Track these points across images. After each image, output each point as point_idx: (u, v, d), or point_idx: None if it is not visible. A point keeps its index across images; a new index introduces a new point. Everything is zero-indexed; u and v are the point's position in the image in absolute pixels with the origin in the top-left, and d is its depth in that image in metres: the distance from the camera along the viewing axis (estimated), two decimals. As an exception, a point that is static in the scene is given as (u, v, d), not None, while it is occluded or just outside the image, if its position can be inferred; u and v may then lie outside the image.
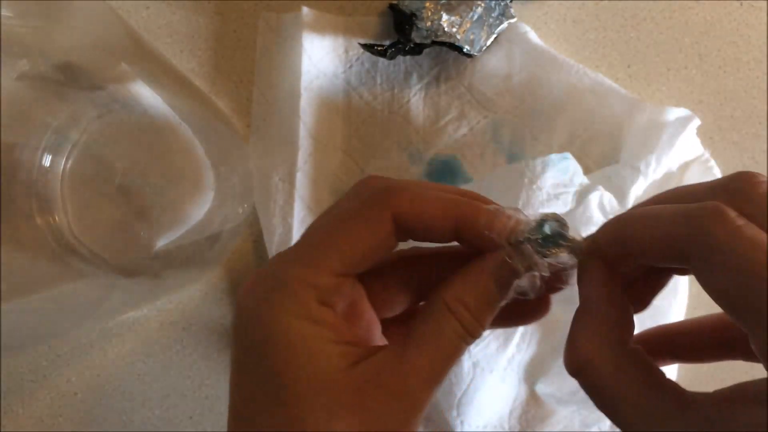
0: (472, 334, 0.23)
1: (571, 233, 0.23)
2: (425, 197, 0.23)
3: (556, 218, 0.23)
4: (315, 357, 0.21)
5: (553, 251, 0.23)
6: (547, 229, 0.23)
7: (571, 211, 0.37)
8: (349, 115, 0.42)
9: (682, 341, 0.25)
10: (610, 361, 0.21)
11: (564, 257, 0.23)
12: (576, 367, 0.22)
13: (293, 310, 0.21)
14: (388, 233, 0.22)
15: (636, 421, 0.20)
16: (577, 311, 0.23)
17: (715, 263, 0.18)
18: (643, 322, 0.24)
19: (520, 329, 0.39)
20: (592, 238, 0.23)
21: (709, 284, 0.19)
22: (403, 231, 0.23)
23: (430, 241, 0.24)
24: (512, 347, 0.39)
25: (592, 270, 0.23)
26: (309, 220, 0.41)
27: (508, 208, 0.23)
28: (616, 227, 0.22)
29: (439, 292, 0.23)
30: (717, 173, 0.40)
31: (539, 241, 0.23)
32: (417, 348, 0.22)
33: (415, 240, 0.24)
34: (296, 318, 0.21)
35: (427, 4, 0.39)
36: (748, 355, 0.22)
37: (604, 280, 0.23)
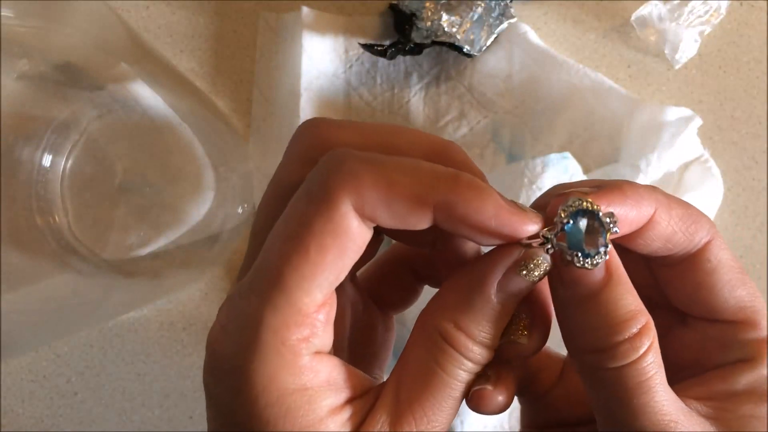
0: (481, 363, 0.19)
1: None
2: (391, 177, 0.17)
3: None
4: None
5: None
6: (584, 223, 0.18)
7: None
8: (349, 115, 0.42)
9: None
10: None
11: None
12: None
13: (286, 381, 0.18)
14: (357, 232, 0.18)
15: None
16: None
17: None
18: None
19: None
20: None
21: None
22: (372, 220, 0.18)
23: (409, 243, 0.20)
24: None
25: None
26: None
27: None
28: (632, 202, 0.19)
29: (428, 314, 0.19)
30: (716, 173, 0.40)
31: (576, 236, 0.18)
32: (410, 394, 0.19)
33: (391, 237, 0.21)
34: (290, 392, 0.18)
35: (427, 4, 0.39)
36: None
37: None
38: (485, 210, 0.17)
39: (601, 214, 0.18)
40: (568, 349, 0.20)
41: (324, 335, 0.19)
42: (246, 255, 0.22)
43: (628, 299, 0.18)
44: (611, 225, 0.18)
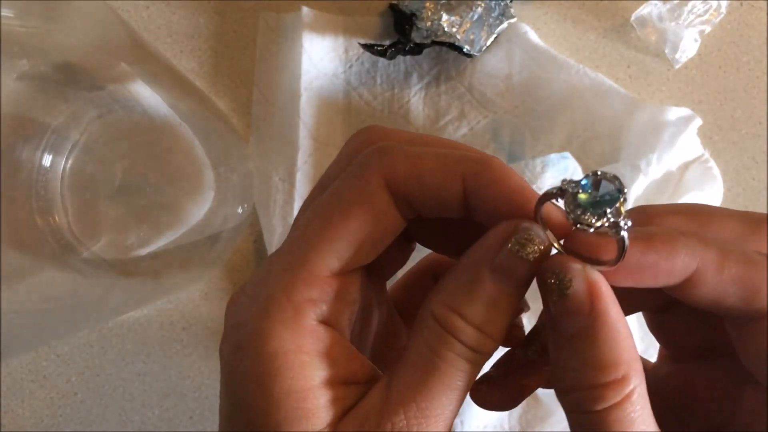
0: (480, 351, 0.18)
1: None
2: (423, 153, 0.18)
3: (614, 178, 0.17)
4: (302, 409, 0.17)
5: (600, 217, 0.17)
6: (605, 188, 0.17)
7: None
8: (349, 115, 0.42)
9: None
10: None
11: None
12: None
13: (283, 338, 0.17)
14: (386, 209, 0.18)
15: None
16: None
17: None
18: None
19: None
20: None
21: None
22: (404, 203, 0.18)
23: (439, 214, 0.19)
24: (512, 347, 0.39)
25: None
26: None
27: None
28: (641, 239, 0.18)
29: (427, 300, 0.18)
30: (716, 173, 0.40)
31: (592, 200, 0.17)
32: (401, 383, 0.17)
33: (424, 215, 0.20)
34: (285, 351, 0.17)
35: (427, 4, 0.39)
36: None
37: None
38: (512, 178, 0.18)
39: (624, 192, 0.17)
40: (552, 381, 0.18)
41: (335, 308, 0.18)
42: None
43: (612, 346, 0.17)
44: (623, 218, 0.17)
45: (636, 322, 0.37)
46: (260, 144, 0.42)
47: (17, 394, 0.42)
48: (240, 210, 0.41)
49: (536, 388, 0.22)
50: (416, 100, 0.42)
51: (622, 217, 0.17)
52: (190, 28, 0.42)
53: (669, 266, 0.17)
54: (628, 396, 0.17)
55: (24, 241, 0.36)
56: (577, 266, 0.17)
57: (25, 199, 0.36)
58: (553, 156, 0.37)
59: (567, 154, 0.38)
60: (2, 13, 0.29)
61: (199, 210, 0.38)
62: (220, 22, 0.42)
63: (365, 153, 0.19)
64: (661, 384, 0.22)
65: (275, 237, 0.40)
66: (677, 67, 0.42)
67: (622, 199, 0.17)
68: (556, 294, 0.17)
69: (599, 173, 0.17)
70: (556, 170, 0.37)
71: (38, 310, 0.36)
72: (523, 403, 0.41)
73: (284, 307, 0.17)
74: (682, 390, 0.21)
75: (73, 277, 0.38)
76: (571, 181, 0.17)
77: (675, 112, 0.39)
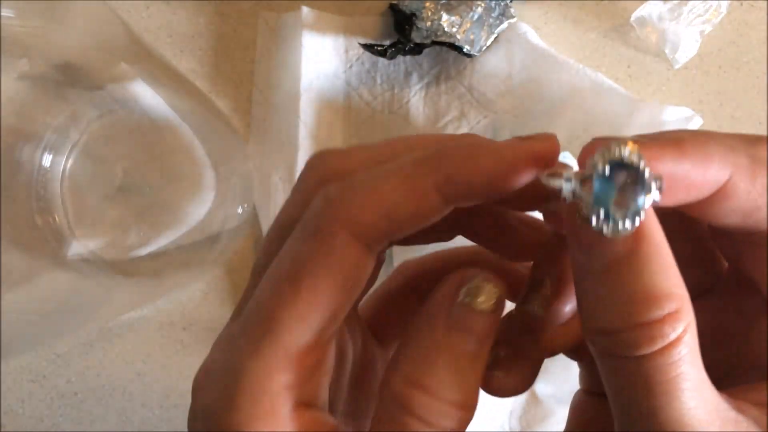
0: (454, 428, 0.16)
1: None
2: (385, 181, 0.16)
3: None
4: None
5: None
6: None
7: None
8: (349, 115, 0.42)
9: None
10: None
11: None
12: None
13: (255, 428, 0.15)
14: (357, 262, 0.16)
15: None
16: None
17: None
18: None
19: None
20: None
21: None
22: (378, 243, 0.16)
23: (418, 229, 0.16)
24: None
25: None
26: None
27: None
28: (673, 146, 0.15)
29: (385, 375, 0.16)
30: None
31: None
32: None
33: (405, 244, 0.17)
34: None
35: (427, 4, 0.39)
36: None
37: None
38: (482, 165, 0.15)
39: (647, 173, 0.14)
40: (582, 328, 0.16)
41: (314, 383, 0.16)
42: (243, 293, 0.20)
43: (661, 275, 0.14)
44: (656, 190, 0.14)
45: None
46: (260, 144, 0.42)
47: (17, 394, 0.42)
48: (240, 210, 0.41)
49: (548, 356, 0.19)
50: (416, 100, 0.42)
51: (655, 184, 0.14)
52: (190, 28, 0.42)
53: (703, 175, 0.15)
54: (680, 337, 0.14)
55: (24, 241, 0.36)
56: None
57: (25, 199, 0.36)
58: (553, 156, 0.37)
59: (567, 153, 0.38)
60: (2, 13, 0.29)
61: (199, 210, 0.38)
62: (220, 22, 0.42)
63: (317, 203, 0.16)
64: None
65: (275, 237, 0.40)
66: (677, 67, 0.42)
67: (648, 176, 0.14)
68: (583, 216, 0.15)
69: (603, 166, 0.14)
70: (556, 170, 0.37)
71: (38, 310, 0.36)
72: (524, 403, 0.41)
73: (258, 399, 0.15)
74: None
75: (73, 277, 0.38)
76: (577, 188, 0.14)
77: (675, 112, 0.39)
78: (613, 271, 0.14)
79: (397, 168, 0.16)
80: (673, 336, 0.14)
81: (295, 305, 0.15)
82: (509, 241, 0.20)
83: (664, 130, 0.16)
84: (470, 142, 0.16)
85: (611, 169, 0.14)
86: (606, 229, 0.14)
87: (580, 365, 0.22)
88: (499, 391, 0.18)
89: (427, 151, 0.16)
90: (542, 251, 0.19)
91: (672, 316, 0.14)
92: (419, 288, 0.21)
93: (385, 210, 0.15)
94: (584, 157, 0.15)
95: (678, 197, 0.15)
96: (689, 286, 0.15)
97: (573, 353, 0.21)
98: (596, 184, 0.14)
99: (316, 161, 0.19)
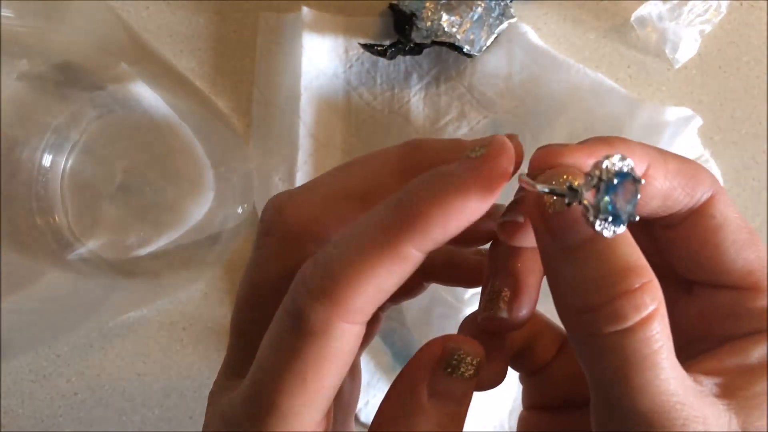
0: None
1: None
2: (357, 251, 0.16)
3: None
4: None
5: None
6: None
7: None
8: (349, 115, 0.42)
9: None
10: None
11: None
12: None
13: None
14: (354, 340, 0.17)
15: None
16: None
17: None
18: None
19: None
20: None
21: None
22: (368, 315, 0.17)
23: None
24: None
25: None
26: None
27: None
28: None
29: None
30: (717, 173, 0.40)
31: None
32: None
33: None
34: None
35: (427, 4, 0.39)
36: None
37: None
38: (453, 211, 0.16)
39: (636, 176, 0.16)
40: (559, 314, 0.17)
41: None
42: (229, 349, 0.20)
43: (632, 248, 0.15)
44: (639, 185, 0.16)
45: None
46: (260, 144, 0.42)
47: (17, 394, 0.42)
48: (240, 210, 0.41)
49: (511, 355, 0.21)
50: (416, 100, 0.42)
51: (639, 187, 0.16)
52: (190, 28, 0.42)
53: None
54: (658, 309, 0.15)
55: (24, 241, 0.36)
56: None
57: (25, 199, 0.36)
58: (553, 156, 0.37)
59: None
60: (2, 13, 0.29)
61: (199, 210, 0.38)
62: (220, 22, 0.42)
63: (304, 297, 0.16)
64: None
65: (275, 237, 0.40)
66: (677, 67, 0.42)
67: (641, 185, 0.16)
68: (555, 206, 0.16)
69: (605, 176, 0.15)
70: (556, 170, 0.37)
71: (38, 310, 0.36)
72: (523, 403, 0.41)
73: None
74: (690, 325, 0.20)
75: (73, 277, 0.38)
76: (583, 191, 0.15)
77: (675, 112, 0.39)
78: (587, 249, 0.15)
79: (370, 237, 0.16)
80: (648, 308, 0.15)
81: (302, 394, 0.16)
82: (464, 272, 0.22)
83: (588, 139, 0.18)
84: (430, 183, 0.16)
85: (618, 181, 0.15)
86: (607, 232, 0.15)
87: (522, 380, 0.23)
88: (478, 388, 0.19)
89: (391, 205, 0.16)
90: (493, 264, 0.20)
91: (647, 286, 0.15)
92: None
93: (371, 289, 0.16)
94: (534, 166, 0.17)
95: None
96: None
97: (515, 363, 0.23)
98: (603, 192, 0.15)
99: (270, 215, 0.19)
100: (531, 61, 0.41)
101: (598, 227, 0.15)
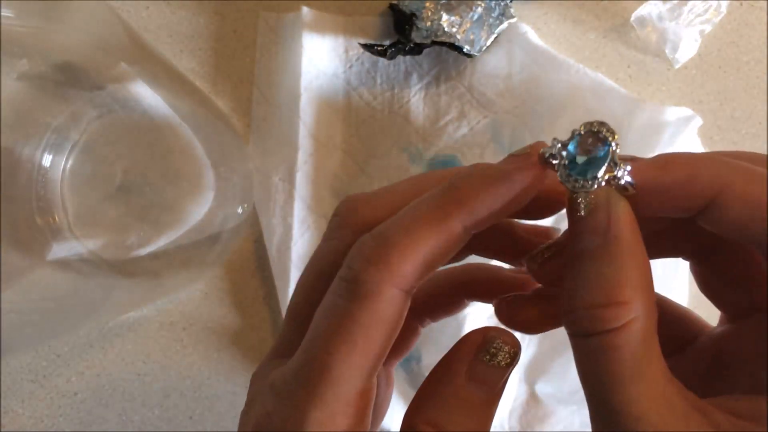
0: None
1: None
2: (411, 238, 0.18)
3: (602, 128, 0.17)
4: None
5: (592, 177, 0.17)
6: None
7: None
8: (349, 115, 0.42)
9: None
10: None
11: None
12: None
13: None
14: (401, 313, 0.18)
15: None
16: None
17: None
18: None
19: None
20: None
21: (732, 219, 0.17)
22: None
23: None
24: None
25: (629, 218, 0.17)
26: (309, 221, 0.41)
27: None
28: (657, 165, 0.18)
29: (408, 415, 0.18)
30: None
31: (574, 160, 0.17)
32: None
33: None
34: None
35: (427, 4, 0.39)
36: None
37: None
38: (496, 191, 0.18)
39: (612, 145, 0.17)
40: (563, 315, 0.18)
41: (366, 421, 0.18)
42: (281, 333, 0.21)
43: (623, 269, 0.17)
44: (619, 168, 0.17)
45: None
46: (260, 144, 0.42)
47: (17, 394, 0.42)
48: (240, 210, 0.41)
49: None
50: (416, 100, 0.42)
51: (618, 168, 0.17)
52: (190, 28, 0.42)
53: (688, 187, 0.17)
54: (629, 324, 0.16)
55: (24, 241, 0.36)
56: (602, 189, 0.17)
57: (25, 199, 0.36)
58: (553, 156, 0.37)
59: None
60: (2, 13, 0.29)
61: (199, 210, 0.38)
62: (220, 22, 0.42)
63: (358, 261, 0.18)
64: (713, 343, 0.21)
65: (275, 237, 0.40)
66: (677, 67, 0.42)
67: (612, 150, 0.17)
68: (581, 210, 0.17)
69: (583, 130, 0.17)
70: (556, 170, 0.37)
71: (38, 310, 0.36)
72: (523, 403, 0.41)
73: None
74: (731, 349, 0.21)
75: (73, 277, 0.38)
76: (559, 145, 0.17)
77: (675, 112, 0.39)
78: (585, 260, 0.17)
79: (424, 213, 0.18)
80: (620, 321, 0.16)
81: (351, 357, 0.17)
82: (518, 250, 0.22)
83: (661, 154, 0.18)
84: (479, 172, 0.18)
85: (586, 138, 0.17)
86: (568, 184, 0.17)
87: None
88: (525, 324, 0.21)
89: (443, 188, 0.18)
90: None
91: (622, 305, 0.16)
92: (472, 284, 0.23)
93: (422, 257, 0.17)
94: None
95: (665, 207, 0.18)
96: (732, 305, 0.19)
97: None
98: (571, 143, 0.17)
99: (346, 210, 0.20)
100: (531, 61, 0.41)
101: (563, 179, 0.17)
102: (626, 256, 0.17)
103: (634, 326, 0.16)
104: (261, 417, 0.19)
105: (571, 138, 0.17)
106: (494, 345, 0.18)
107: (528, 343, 0.40)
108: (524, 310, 0.21)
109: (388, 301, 0.17)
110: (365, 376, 0.18)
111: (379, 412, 0.23)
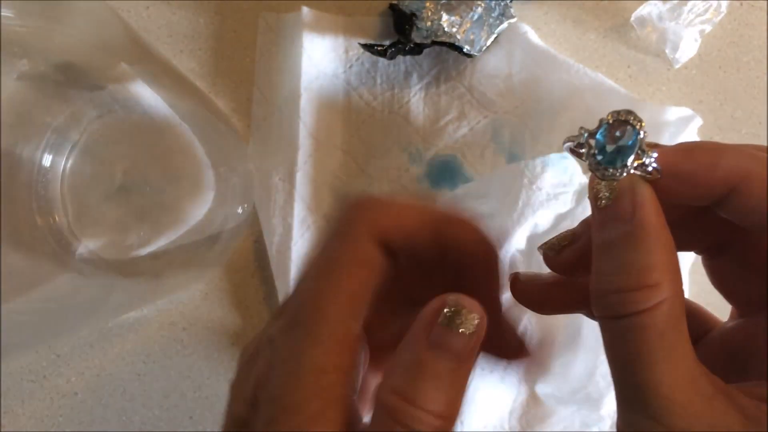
0: None
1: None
2: (405, 207, 0.20)
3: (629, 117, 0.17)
4: None
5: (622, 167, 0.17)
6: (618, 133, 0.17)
7: (570, 211, 0.37)
8: (349, 115, 0.42)
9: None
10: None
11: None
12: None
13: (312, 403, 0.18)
14: (379, 263, 0.20)
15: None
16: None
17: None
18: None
19: (519, 328, 0.39)
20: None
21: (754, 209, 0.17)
22: (388, 249, 0.20)
23: (414, 257, 0.20)
24: (512, 347, 0.39)
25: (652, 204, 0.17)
26: (309, 220, 0.40)
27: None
28: (682, 151, 0.18)
29: (378, 385, 0.18)
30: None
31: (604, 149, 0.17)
32: None
33: (404, 258, 0.21)
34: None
35: (427, 4, 0.39)
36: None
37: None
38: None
39: (641, 133, 0.17)
40: (591, 295, 0.18)
41: (356, 373, 0.19)
42: (286, 301, 0.22)
43: (650, 253, 0.17)
44: (647, 155, 0.17)
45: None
46: (260, 144, 0.42)
47: (17, 394, 0.42)
48: (240, 210, 0.41)
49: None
50: (416, 100, 0.42)
51: (646, 156, 0.17)
52: (190, 28, 0.42)
53: (710, 174, 0.17)
54: (659, 305, 0.17)
55: (24, 241, 0.36)
56: (625, 176, 0.18)
57: (25, 199, 0.36)
58: (553, 156, 0.37)
59: (567, 154, 0.38)
60: (2, 13, 0.29)
61: (199, 210, 0.38)
62: (220, 22, 0.42)
63: (348, 212, 0.20)
64: (725, 337, 0.22)
65: (275, 237, 0.40)
66: (677, 67, 0.42)
67: (641, 138, 0.17)
68: (603, 200, 0.18)
69: (611, 119, 0.17)
70: (556, 170, 0.37)
71: (38, 310, 0.36)
72: (523, 403, 0.40)
73: (319, 378, 0.18)
74: (744, 343, 0.21)
75: (73, 277, 0.38)
76: (587, 135, 0.18)
77: (675, 112, 0.39)
78: (613, 247, 0.17)
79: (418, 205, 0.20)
80: (651, 302, 0.17)
81: (342, 295, 0.19)
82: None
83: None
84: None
85: (615, 127, 0.17)
86: (598, 173, 0.17)
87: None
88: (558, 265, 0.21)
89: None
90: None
91: (652, 287, 0.17)
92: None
93: (403, 224, 0.20)
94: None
95: (687, 194, 0.18)
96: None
97: None
98: (599, 133, 0.18)
99: (365, 212, 0.21)
100: (531, 61, 0.41)
101: (591, 168, 0.17)
102: (653, 240, 0.17)
103: (664, 307, 0.17)
104: (262, 367, 0.19)
105: (599, 127, 0.18)
106: (452, 309, 0.18)
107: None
108: (539, 290, 0.22)
109: (368, 245, 0.19)
110: (355, 318, 0.19)
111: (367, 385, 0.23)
